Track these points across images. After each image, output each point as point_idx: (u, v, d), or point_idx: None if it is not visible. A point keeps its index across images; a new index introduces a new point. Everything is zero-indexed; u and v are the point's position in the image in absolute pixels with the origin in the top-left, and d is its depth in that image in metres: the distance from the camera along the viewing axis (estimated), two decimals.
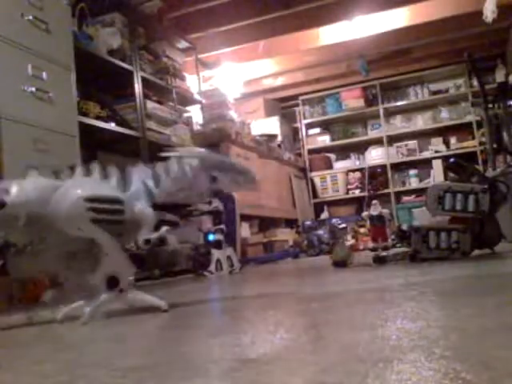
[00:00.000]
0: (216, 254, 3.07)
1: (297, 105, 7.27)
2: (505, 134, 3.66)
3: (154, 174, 1.39)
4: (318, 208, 6.80)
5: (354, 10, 4.93)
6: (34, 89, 2.57)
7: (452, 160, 2.52)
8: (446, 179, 6.05)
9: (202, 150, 1.55)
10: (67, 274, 1.37)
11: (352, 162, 7.08)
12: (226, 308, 1.41)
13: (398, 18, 5.21)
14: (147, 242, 1.39)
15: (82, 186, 1.25)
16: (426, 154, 6.66)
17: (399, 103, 6.85)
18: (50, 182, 1.26)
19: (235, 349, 0.74)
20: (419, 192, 6.44)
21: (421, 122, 6.84)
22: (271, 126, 6.58)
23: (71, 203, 1.19)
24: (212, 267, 3.03)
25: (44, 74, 2.65)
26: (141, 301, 1.33)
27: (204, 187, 1.44)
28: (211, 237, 3.14)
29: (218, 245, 3.11)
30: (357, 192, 6.79)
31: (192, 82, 4.87)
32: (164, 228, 1.63)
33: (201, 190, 1.44)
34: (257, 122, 6.39)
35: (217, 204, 2.99)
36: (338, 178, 6.87)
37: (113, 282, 1.25)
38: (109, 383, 0.61)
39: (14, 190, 1.23)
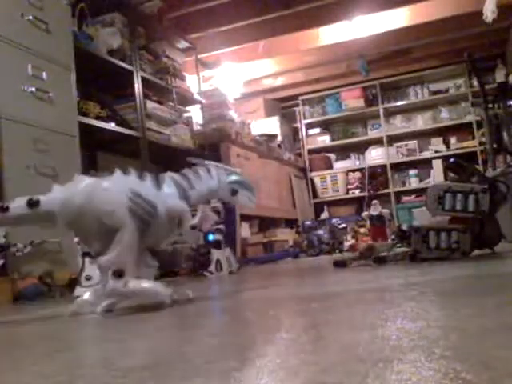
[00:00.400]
0: (216, 254, 3.07)
1: (297, 105, 7.27)
2: (505, 134, 3.66)
3: (187, 179, 1.50)
4: (318, 208, 6.81)
5: (354, 10, 4.93)
6: (33, 89, 2.57)
7: (452, 160, 2.51)
8: (446, 179, 6.06)
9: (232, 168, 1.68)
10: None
11: (352, 162, 7.08)
12: (226, 308, 1.41)
13: (398, 18, 5.22)
14: (193, 227, 1.47)
15: (125, 181, 1.37)
16: (426, 154, 6.66)
17: (399, 103, 6.85)
18: (92, 180, 1.36)
19: (235, 349, 0.74)
20: (419, 192, 6.44)
21: (421, 121, 6.84)
22: (271, 125, 6.58)
23: (116, 194, 1.31)
24: (212, 267, 3.03)
25: (44, 74, 2.65)
26: (145, 292, 1.37)
27: (226, 197, 1.59)
28: (211, 237, 3.14)
29: (217, 245, 3.11)
30: (357, 192, 6.80)
31: (192, 82, 4.88)
32: (202, 206, 1.70)
33: (223, 199, 1.60)
34: (257, 122, 6.40)
35: (216, 204, 2.98)
36: (337, 178, 6.87)
37: (119, 272, 1.30)
38: (109, 383, 0.61)
39: (53, 191, 1.33)
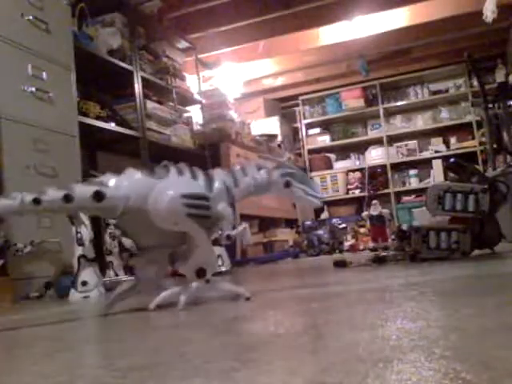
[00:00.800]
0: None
1: (297, 105, 7.27)
2: (505, 134, 3.66)
3: (233, 175, 1.49)
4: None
5: (353, 10, 4.93)
6: (33, 89, 2.57)
7: (452, 160, 2.51)
8: (446, 179, 6.06)
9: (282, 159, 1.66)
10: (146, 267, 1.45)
11: (352, 162, 7.08)
12: (225, 308, 1.41)
13: (398, 18, 5.22)
14: (228, 237, 1.47)
15: (178, 184, 1.35)
16: (426, 154, 6.66)
17: (399, 103, 6.85)
18: (145, 179, 1.35)
19: (235, 349, 0.74)
20: (419, 192, 6.44)
21: (421, 122, 6.84)
22: (271, 125, 6.58)
23: (170, 199, 1.30)
24: None
25: (44, 74, 2.65)
26: (225, 289, 1.45)
27: (279, 191, 1.56)
28: None
29: (216, 242, 3.09)
30: (357, 192, 6.80)
31: (192, 82, 4.88)
32: (244, 224, 1.69)
33: (277, 194, 1.56)
34: (257, 122, 6.40)
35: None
36: (337, 178, 6.87)
37: (201, 272, 1.36)
38: (109, 383, 0.61)
39: (111, 183, 1.31)
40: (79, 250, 2.16)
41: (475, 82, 5.88)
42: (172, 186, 1.33)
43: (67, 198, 1.26)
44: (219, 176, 1.46)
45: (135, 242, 1.52)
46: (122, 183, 1.32)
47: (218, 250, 3.12)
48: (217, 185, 1.43)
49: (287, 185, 1.52)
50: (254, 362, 0.62)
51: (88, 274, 2.15)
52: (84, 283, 2.13)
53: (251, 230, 4.86)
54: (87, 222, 2.21)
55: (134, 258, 1.42)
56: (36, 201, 1.24)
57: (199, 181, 1.41)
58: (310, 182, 1.57)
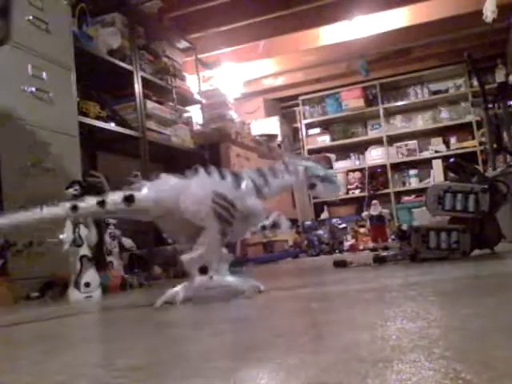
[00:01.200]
0: None
1: (297, 105, 7.27)
2: (505, 134, 3.66)
3: (262, 175, 1.55)
4: (318, 208, 6.80)
5: (354, 10, 4.93)
6: (34, 89, 2.57)
7: (452, 160, 2.51)
8: (446, 179, 6.06)
9: (308, 158, 1.71)
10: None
11: (352, 162, 7.08)
12: (225, 307, 1.41)
13: (398, 18, 5.22)
14: (263, 227, 1.53)
15: (206, 183, 1.45)
16: (426, 154, 6.66)
17: (399, 103, 6.86)
18: (175, 181, 1.45)
19: (235, 348, 0.74)
20: (419, 192, 6.44)
21: (421, 122, 6.85)
22: (271, 125, 6.58)
23: (198, 195, 1.40)
24: None
25: (44, 74, 2.65)
26: (229, 284, 1.47)
27: (304, 191, 1.68)
28: None
29: None
30: (357, 192, 6.80)
31: (192, 82, 4.87)
32: (276, 212, 1.74)
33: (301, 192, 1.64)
34: (257, 122, 6.40)
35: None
36: (337, 178, 6.86)
37: (204, 269, 1.41)
38: (109, 383, 0.61)
39: (143, 188, 1.43)
40: (83, 251, 2.16)
41: (475, 82, 5.89)
42: (201, 185, 1.43)
43: (101, 203, 1.39)
44: (247, 174, 1.52)
45: (174, 240, 1.67)
46: (153, 187, 1.43)
47: None
48: (245, 183, 1.49)
49: (311, 187, 1.60)
50: (254, 362, 0.62)
51: (90, 275, 2.14)
52: (87, 284, 2.13)
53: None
54: (92, 226, 2.22)
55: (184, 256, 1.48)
56: (74, 208, 1.39)
57: (227, 180, 1.47)
58: (332, 179, 1.65)
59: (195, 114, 4.83)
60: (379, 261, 2.27)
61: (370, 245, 4.12)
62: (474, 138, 6.44)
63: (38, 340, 1.10)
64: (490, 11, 4.14)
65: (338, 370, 0.53)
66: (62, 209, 1.39)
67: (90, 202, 1.41)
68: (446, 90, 6.75)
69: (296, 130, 7.35)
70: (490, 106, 3.72)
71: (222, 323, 1.08)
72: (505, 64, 6.19)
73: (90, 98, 3.29)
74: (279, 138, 6.41)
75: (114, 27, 3.63)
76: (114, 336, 1.07)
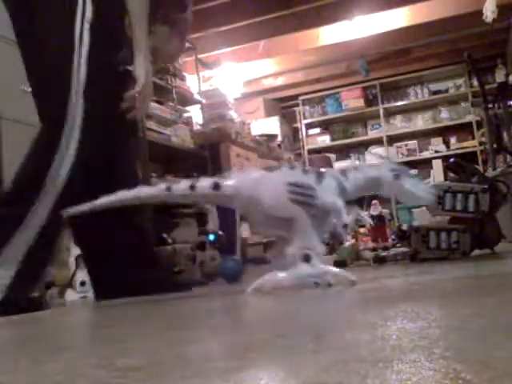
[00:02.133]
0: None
1: (297, 105, 7.27)
2: (505, 134, 3.66)
3: (345, 173, 1.56)
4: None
5: (353, 10, 4.93)
6: None
7: (452, 160, 2.51)
8: (446, 179, 6.05)
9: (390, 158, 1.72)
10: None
11: (352, 162, 7.08)
12: (225, 307, 1.41)
13: (398, 18, 5.22)
14: (345, 226, 1.53)
15: (286, 175, 1.49)
16: (426, 154, 6.66)
17: (399, 103, 6.86)
18: (258, 172, 1.52)
19: (235, 348, 0.74)
20: None
21: (421, 122, 6.85)
22: (271, 125, 6.58)
23: (275, 186, 1.45)
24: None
25: None
26: (330, 274, 1.48)
27: (390, 187, 1.60)
28: (211, 237, 3.13)
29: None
30: None
31: (192, 82, 4.87)
32: (355, 209, 1.74)
33: (388, 191, 1.64)
34: (257, 122, 6.39)
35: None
36: None
37: (306, 257, 1.42)
38: (109, 383, 0.61)
39: (231, 178, 1.51)
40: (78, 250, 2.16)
41: (475, 82, 5.88)
42: (280, 176, 1.49)
43: (192, 187, 1.48)
44: (330, 172, 1.55)
45: (256, 229, 1.67)
46: (238, 178, 1.52)
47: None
48: (327, 179, 1.51)
49: (396, 178, 1.58)
50: (254, 362, 0.62)
51: (85, 274, 2.14)
52: (83, 283, 2.13)
53: (251, 229, 4.85)
54: None
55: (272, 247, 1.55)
56: (168, 189, 1.50)
57: (309, 175, 1.50)
58: (417, 180, 1.64)
59: (195, 114, 4.83)
60: (379, 261, 2.27)
61: (370, 245, 4.12)
62: (474, 138, 6.44)
63: (38, 340, 1.10)
64: (490, 11, 4.14)
65: (338, 370, 0.53)
66: (157, 190, 1.52)
67: (182, 185, 1.50)
68: (446, 90, 6.75)
69: (296, 130, 7.35)
70: (490, 106, 3.72)
71: (220, 324, 1.07)
72: (505, 64, 6.19)
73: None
74: (279, 138, 6.41)
75: None
76: (113, 336, 1.07)
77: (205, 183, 1.50)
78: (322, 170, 1.55)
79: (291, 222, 1.44)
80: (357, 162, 1.86)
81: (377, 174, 1.57)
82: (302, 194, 1.44)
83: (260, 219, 1.50)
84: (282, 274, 1.45)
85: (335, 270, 1.52)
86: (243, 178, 1.51)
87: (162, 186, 1.52)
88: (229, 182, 1.50)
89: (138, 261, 1.91)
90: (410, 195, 1.58)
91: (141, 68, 1.85)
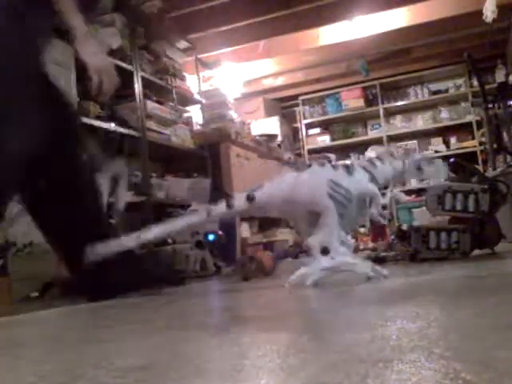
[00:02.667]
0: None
1: (297, 105, 7.27)
2: (505, 134, 3.66)
3: (372, 163, 1.65)
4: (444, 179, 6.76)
5: (353, 10, 4.93)
6: None
7: (452, 160, 2.51)
8: (445, 179, 6.05)
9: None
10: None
11: (380, 152, 7.07)
12: (225, 308, 1.41)
13: (398, 18, 5.21)
14: (384, 207, 1.59)
15: (321, 172, 1.56)
16: (426, 154, 6.66)
17: (399, 103, 6.85)
18: (289, 175, 1.59)
19: (235, 348, 0.74)
20: (419, 192, 6.44)
21: (421, 122, 6.84)
22: (271, 125, 6.57)
23: (315, 181, 1.52)
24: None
25: None
26: (350, 265, 1.53)
27: (413, 175, 1.77)
28: (211, 237, 3.13)
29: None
30: None
31: (192, 82, 4.87)
32: (389, 190, 1.79)
33: (409, 178, 1.75)
34: (257, 122, 6.39)
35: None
36: None
37: (325, 250, 1.48)
38: (109, 383, 0.61)
39: (263, 187, 1.58)
40: None
41: (475, 82, 5.88)
42: (317, 173, 1.56)
43: (229, 206, 1.57)
44: (359, 164, 1.64)
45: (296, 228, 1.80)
46: (270, 185, 1.59)
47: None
48: (357, 172, 1.59)
49: (419, 168, 1.71)
50: (254, 362, 0.62)
51: None
52: None
53: (251, 229, 4.86)
54: None
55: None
56: (208, 214, 1.58)
57: (339, 170, 1.57)
58: (436, 163, 1.78)
59: (195, 114, 4.83)
60: (379, 261, 2.27)
61: (370, 245, 4.12)
62: (474, 138, 6.44)
63: (38, 340, 1.10)
64: (490, 11, 4.14)
65: (338, 370, 0.53)
66: (200, 216, 1.62)
67: (220, 208, 1.59)
68: (446, 90, 6.75)
69: (296, 130, 7.35)
70: (490, 106, 3.72)
71: (221, 324, 1.07)
72: (505, 64, 6.19)
73: (90, 98, 3.29)
74: (279, 138, 6.40)
75: (113, 27, 3.63)
76: (113, 336, 1.07)
77: (239, 200, 1.57)
78: (351, 164, 1.63)
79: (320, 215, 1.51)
80: (384, 154, 1.90)
81: (402, 168, 1.69)
82: (339, 192, 1.50)
83: (300, 218, 1.58)
84: (304, 269, 1.51)
85: (354, 261, 1.56)
86: (274, 185, 1.58)
87: (203, 212, 1.60)
88: (260, 193, 1.57)
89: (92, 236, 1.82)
90: (428, 177, 1.77)
91: (86, 53, 1.84)
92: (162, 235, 1.74)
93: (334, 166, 1.59)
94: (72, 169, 1.89)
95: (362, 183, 1.57)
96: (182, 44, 4.71)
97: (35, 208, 1.89)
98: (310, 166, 1.60)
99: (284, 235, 5.26)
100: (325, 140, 7.19)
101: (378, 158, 1.69)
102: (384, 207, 1.59)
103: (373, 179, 1.60)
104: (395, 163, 1.69)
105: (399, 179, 1.82)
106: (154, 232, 1.64)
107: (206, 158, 4.54)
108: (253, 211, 1.69)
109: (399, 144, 6.83)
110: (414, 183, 6.69)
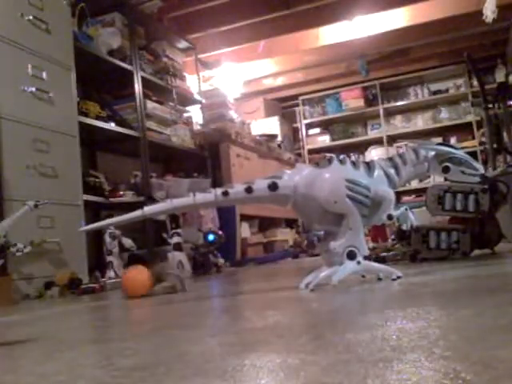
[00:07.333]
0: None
1: (297, 105, 7.27)
2: (505, 134, 3.66)
3: (393, 164, 1.59)
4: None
5: (353, 10, 4.93)
6: (34, 89, 2.57)
7: None
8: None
9: (437, 142, 1.78)
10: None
11: (403, 151, 7.06)
12: (225, 308, 1.41)
13: (398, 18, 5.22)
14: (390, 217, 1.54)
15: (341, 170, 1.50)
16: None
17: (399, 103, 6.85)
18: (311, 169, 1.52)
19: (235, 348, 0.74)
20: (419, 192, 6.43)
21: (421, 122, 6.84)
22: (271, 126, 6.57)
23: (334, 181, 1.47)
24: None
25: (44, 74, 2.65)
26: (375, 269, 1.53)
27: (437, 175, 1.70)
28: (211, 237, 3.13)
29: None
30: None
31: (192, 82, 4.87)
32: (405, 207, 1.74)
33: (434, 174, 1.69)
34: (257, 122, 6.39)
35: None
36: None
37: (352, 254, 1.45)
38: (109, 383, 0.61)
39: (285, 176, 1.51)
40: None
41: (475, 82, 5.88)
42: (336, 172, 1.49)
43: (248, 190, 1.49)
44: (379, 164, 1.57)
45: (309, 225, 1.74)
46: (292, 175, 1.51)
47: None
48: (377, 172, 1.54)
49: (446, 171, 1.63)
50: (254, 362, 0.62)
51: None
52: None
53: (251, 229, 4.86)
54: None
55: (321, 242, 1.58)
56: (225, 193, 1.50)
57: (360, 169, 1.52)
58: (468, 162, 1.66)
59: (195, 114, 4.83)
60: (379, 261, 2.27)
61: (370, 245, 4.12)
62: (474, 138, 6.44)
63: (38, 340, 1.10)
64: (490, 11, 4.14)
65: (338, 370, 0.53)
66: (213, 195, 1.51)
67: (238, 189, 1.51)
68: (446, 90, 6.75)
69: (296, 130, 7.35)
70: (490, 106, 3.72)
71: (221, 323, 1.07)
72: (505, 64, 6.19)
73: (90, 98, 3.29)
74: (279, 138, 6.41)
75: (113, 27, 3.63)
76: (113, 336, 1.07)
77: (261, 185, 1.50)
78: (372, 162, 1.57)
79: (342, 218, 1.47)
80: (407, 153, 1.78)
81: (425, 169, 1.63)
82: (359, 192, 1.46)
83: (315, 215, 1.52)
84: (328, 271, 1.48)
85: (380, 266, 1.55)
86: (299, 176, 1.51)
87: (219, 191, 1.51)
88: (286, 182, 1.50)
89: None
90: (456, 179, 1.67)
91: None
92: (168, 210, 1.65)
93: (354, 164, 1.52)
94: None
95: (379, 185, 1.51)
96: (182, 44, 4.71)
97: None
98: (330, 161, 1.52)
99: (284, 235, 5.26)
100: (325, 140, 7.19)
101: (401, 157, 1.62)
102: (390, 217, 1.52)
103: (390, 181, 1.55)
104: (417, 163, 1.61)
105: (422, 177, 1.74)
106: (159, 206, 1.57)
107: (206, 158, 4.54)
108: (272, 200, 1.54)
109: (399, 144, 6.83)
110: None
